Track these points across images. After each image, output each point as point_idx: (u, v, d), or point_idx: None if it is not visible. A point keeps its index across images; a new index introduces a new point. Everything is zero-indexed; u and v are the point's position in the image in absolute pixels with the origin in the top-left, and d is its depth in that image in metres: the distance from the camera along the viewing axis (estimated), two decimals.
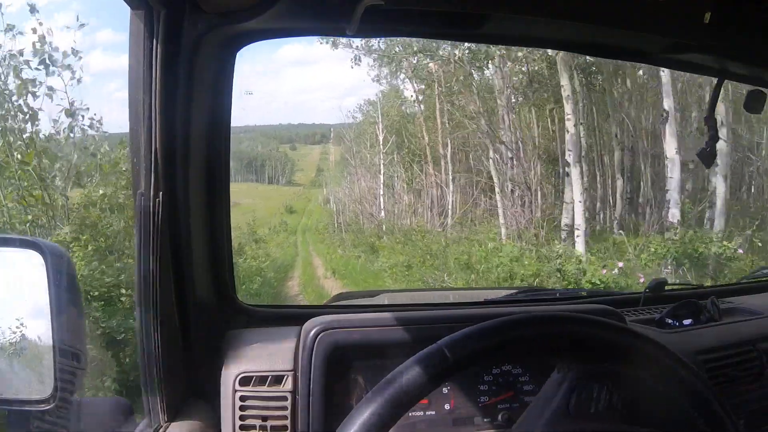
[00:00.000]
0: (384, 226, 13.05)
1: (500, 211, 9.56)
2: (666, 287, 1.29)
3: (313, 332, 0.87)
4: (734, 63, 0.92)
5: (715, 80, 1.01)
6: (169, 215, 0.77)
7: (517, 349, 0.60)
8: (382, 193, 13.77)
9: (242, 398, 0.85)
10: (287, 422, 0.85)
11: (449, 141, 11.63)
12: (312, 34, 0.93)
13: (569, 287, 4.95)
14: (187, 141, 0.81)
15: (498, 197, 9.62)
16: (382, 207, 13.76)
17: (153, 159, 0.74)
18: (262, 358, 0.88)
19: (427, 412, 0.90)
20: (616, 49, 0.98)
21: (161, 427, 0.80)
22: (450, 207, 11.62)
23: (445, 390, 0.91)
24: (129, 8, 0.71)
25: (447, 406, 0.91)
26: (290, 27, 0.89)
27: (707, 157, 0.98)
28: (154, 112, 0.73)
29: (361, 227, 13.73)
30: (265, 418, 0.85)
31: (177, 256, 0.82)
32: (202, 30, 0.75)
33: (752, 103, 0.96)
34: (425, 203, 12.49)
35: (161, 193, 0.75)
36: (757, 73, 0.96)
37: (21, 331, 0.82)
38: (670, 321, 1.13)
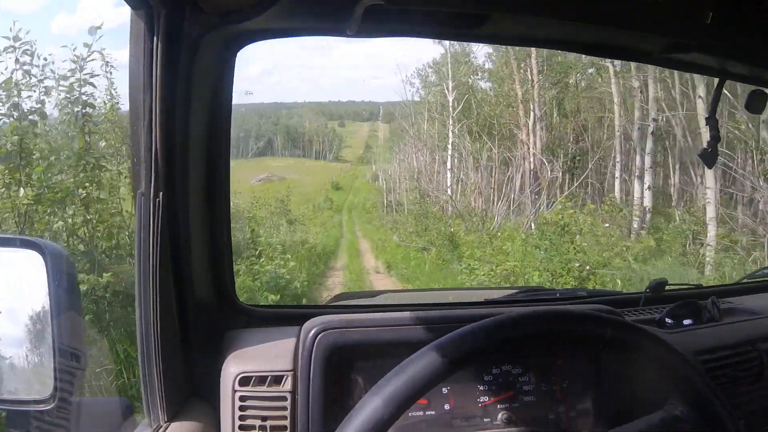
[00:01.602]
0: (450, 208, 10.76)
1: (711, 193, 6.05)
2: (666, 287, 1.29)
3: (312, 332, 0.87)
4: (735, 63, 0.92)
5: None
6: (169, 215, 0.77)
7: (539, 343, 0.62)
8: (449, 167, 11.61)
9: (242, 398, 0.85)
10: (287, 422, 0.85)
11: (538, 98, 9.57)
12: (312, 34, 0.93)
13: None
14: (187, 141, 0.81)
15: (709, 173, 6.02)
16: (448, 184, 11.54)
17: (153, 159, 0.74)
18: (262, 358, 0.88)
19: (427, 412, 0.90)
20: (616, 49, 0.98)
21: (161, 427, 0.80)
22: (544, 186, 9.22)
23: (444, 390, 0.91)
24: (129, 8, 0.71)
25: (447, 406, 0.91)
26: (290, 27, 0.89)
27: (709, 157, 0.98)
28: (154, 112, 0.73)
29: (427, 210, 11.17)
30: (264, 418, 0.85)
31: (177, 256, 0.82)
32: (202, 30, 0.75)
33: (753, 103, 0.96)
34: (508, 181, 10.09)
35: (161, 193, 0.75)
36: (758, 73, 0.96)
37: (21, 332, 0.82)
38: (669, 321, 1.12)
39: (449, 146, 11.75)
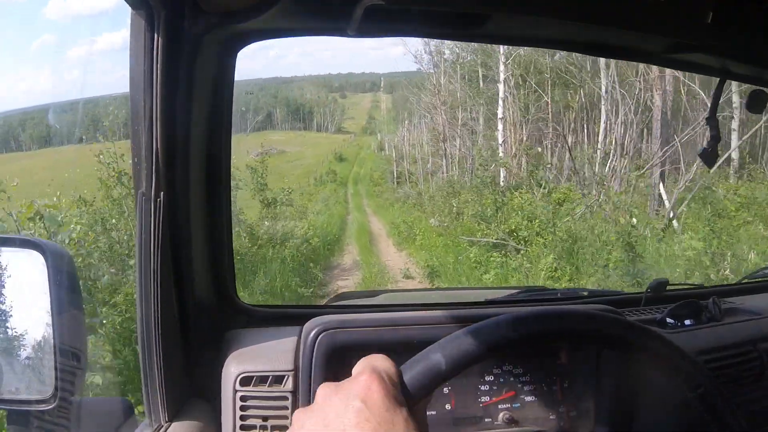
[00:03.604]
0: (503, 176, 7.31)
1: None
2: (667, 287, 1.29)
3: (313, 332, 0.87)
4: (736, 63, 0.92)
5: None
6: (169, 215, 0.77)
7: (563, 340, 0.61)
8: (501, 115, 8.20)
9: (243, 398, 0.85)
10: (288, 422, 0.85)
11: None
12: (312, 33, 0.93)
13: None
14: (188, 141, 0.82)
15: None
16: (500, 140, 8.16)
17: (153, 159, 0.74)
18: (263, 358, 0.88)
19: (428, 412, 0.90)
20: (617, 49, 0.97)
21: (162, 426, 0.81)
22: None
23: (445, 390, 0.91)
24: (129, 8, 0.71)
25: (448, 406, 0.91)
26: (290, 27, 0.89)
27: (709, 157, 0.98)
28: (154, 112, 0.73)
29: (482, 177, 7.34)
30: (265, 418, 0.85)
31: (177, 256, 0.82)
32: (202, 30, 0.75)
33: (754, 103, 0.96)
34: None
35: (162, 193, 0.75)
36: (760, 73, 0.96)
37: (21, 331, 0.82)
38: (670, 321, 1.12)
39: (500, 86, 8.16)
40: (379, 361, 0.48)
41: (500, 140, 8.27)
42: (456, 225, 6.67)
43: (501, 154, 8.00)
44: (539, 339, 0.60)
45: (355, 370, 0.48)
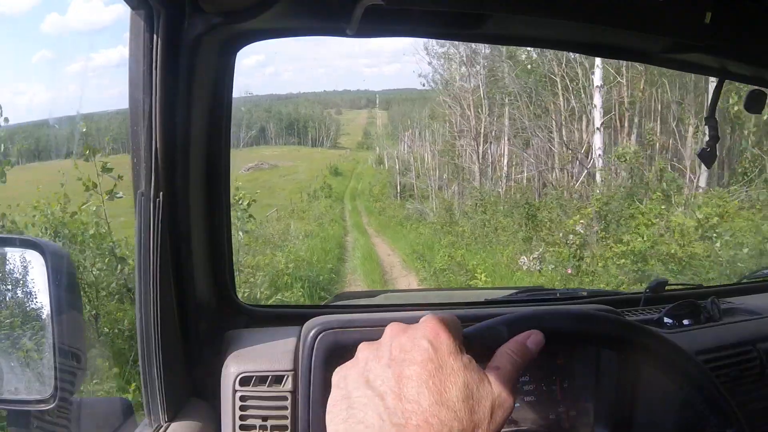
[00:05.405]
0: (599, 179, 4.94)
1: None
2: (666, 287, 1.29)
3: (313, 332, 0.86)
4: (735, 63, 0.92)
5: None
6: (169, 215, 0.77)
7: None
8: (598, 83, 5.68)
9: (242, 398, 0.85)
10: (287, 422, 0.85)
11: None
12: (312, 34, 0.93)
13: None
14: (187, 141, 0.82)
15: None
16: (598, 123, 5.67)
17: (153, 159, 0.74)
18: (262, 358, 0.88)
19: None
20: (616, 49, 0.98)
21: (161, 426, 0.80)
22: None
23: None
24: (129, 8, 0.71)
25: None
26: (290, 27, 0.89)
27: (708, 157, 0.98)
28: (154, 112, 0.73)
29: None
30: (265, 418, 0.85)
31: (177, 256, 0.82)
32: (202, 30, 0.75)
33: (752, 103, 0.96)
34: None
35: (161, 193, 0.75)
36: (758, 73, 0.96)
37: (21, 331, 0.82)
38: (668, 321, 1.12)
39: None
40: (447, 314, 0.51)
41: (597, 123, 5.91)
42: (589, 274, 3.74)
43: (598, 145, 5.63)
44: (595, 339, 0.61)
45: (423, 319, 0.50)
